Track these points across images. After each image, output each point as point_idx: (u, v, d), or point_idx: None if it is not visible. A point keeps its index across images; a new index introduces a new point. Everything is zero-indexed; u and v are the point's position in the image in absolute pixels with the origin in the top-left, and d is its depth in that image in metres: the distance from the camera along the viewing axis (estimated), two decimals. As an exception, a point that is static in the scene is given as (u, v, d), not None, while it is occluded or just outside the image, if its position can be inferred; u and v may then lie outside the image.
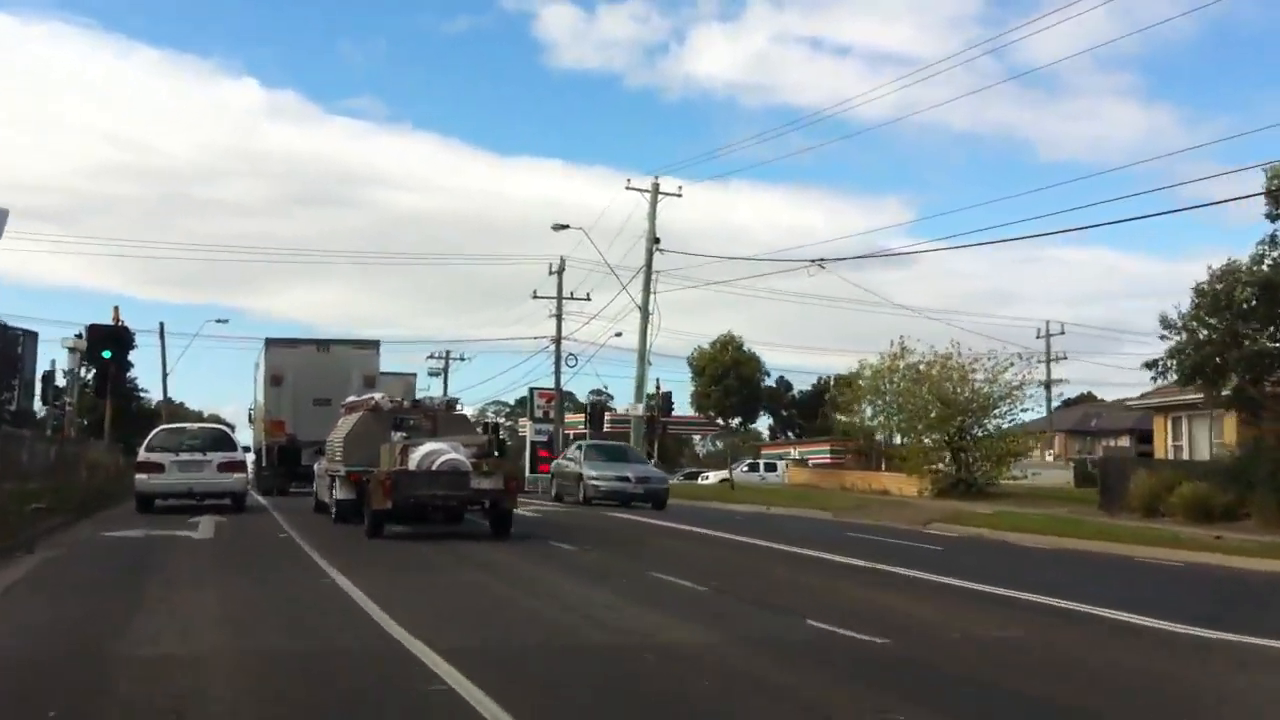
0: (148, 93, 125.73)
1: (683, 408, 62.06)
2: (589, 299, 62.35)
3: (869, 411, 35.68)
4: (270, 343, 34.17)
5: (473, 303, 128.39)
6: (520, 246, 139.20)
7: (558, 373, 65.59)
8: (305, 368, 32.12)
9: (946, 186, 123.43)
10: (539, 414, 69.96)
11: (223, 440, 25.60)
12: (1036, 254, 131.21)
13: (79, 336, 35.12)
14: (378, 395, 22.40)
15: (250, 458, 29.94)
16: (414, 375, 44.24)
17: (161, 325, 69.32)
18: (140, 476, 24.11)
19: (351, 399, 23.31)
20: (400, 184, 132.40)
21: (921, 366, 33.51)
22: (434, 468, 18.28)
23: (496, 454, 21.82)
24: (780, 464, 64.54)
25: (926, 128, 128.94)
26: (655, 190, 47.84)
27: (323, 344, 34.15)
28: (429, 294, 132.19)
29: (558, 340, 65.39)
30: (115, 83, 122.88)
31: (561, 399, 65.93)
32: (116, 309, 36.69)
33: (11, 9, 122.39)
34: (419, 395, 27.39)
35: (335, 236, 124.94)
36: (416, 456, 18.45)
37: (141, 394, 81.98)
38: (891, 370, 34.45)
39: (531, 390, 69.69)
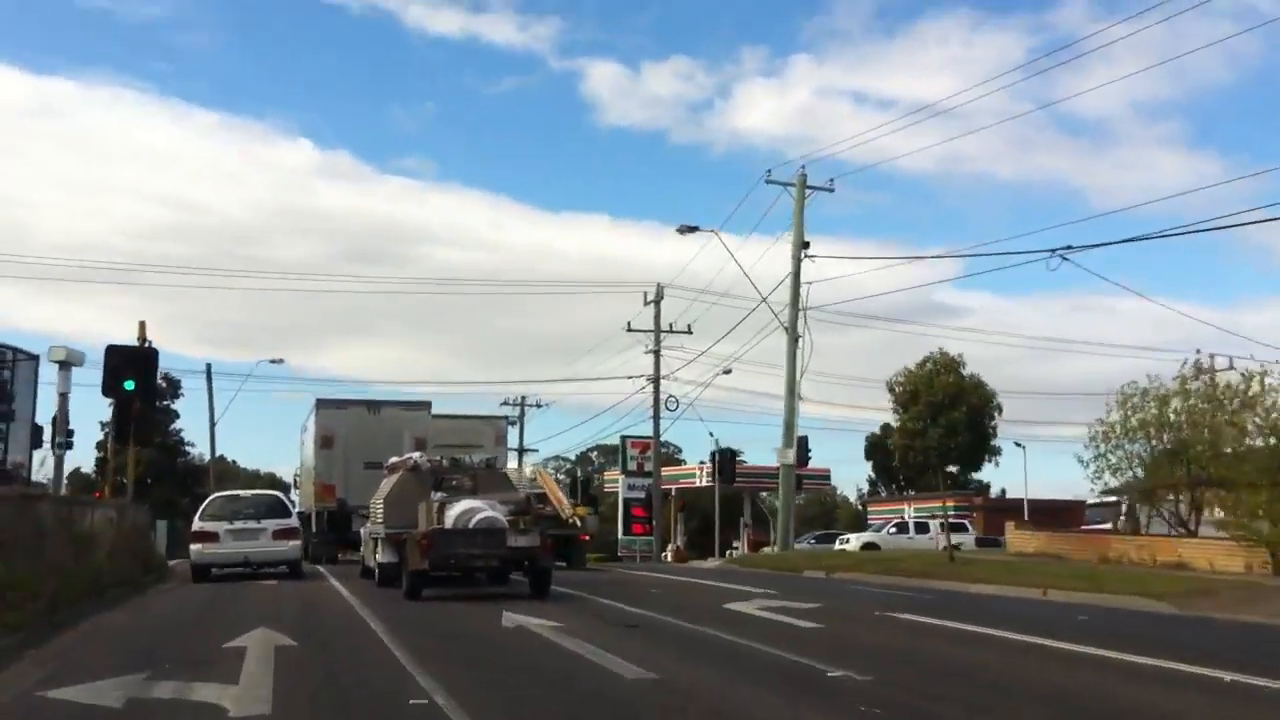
0: (203, 155, 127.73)
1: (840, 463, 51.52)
2: (689, 331, 54.88)
3: (1139, 450, 24.79)
4: (320, 404, 33.74)
5: (532, 355, 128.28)
6: (570, 300, 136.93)
7: (656, 417, 56.26)
8: (356, 430, 31.82)
9: (995, 235, 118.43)
10: (632, 466, 63.14)
11: (277, 507, 25.91)
12: (1090, 304, 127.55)
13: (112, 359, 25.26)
14: (416, 455, 22.40)
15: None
16: (504, 420, 40.23)
17: (209, 367, 59.22)
18: (195, 547, 24.63)
19: (393, 460, 23.43)
20: (451, 241, 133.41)
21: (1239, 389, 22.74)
22: (470, 526, 18.29)
23: (593, 512, 25.86)
24: (934, 522, 53.42)
25: (973, 178, 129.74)
26: (802, 183, 37.78)
27: (373, 405, 33.85)
28: (484, 346, 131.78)
29: (655, 380, 56.37)
30: (171, 145, 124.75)
31: (659, 448, 57.66)
32: (143, 325, 26.45)
33: (72, 74, 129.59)
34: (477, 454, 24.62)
35: (387, 293, 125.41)
36: (453, 515, 18.53)
37: (188, 448, 71.47)
38: (1180, 394, 23.69)
39: (624, 439, 62.49)
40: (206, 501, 26.45)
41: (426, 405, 33.44)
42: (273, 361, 58.05)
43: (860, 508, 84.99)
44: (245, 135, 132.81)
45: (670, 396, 55.87)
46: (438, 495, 19.46)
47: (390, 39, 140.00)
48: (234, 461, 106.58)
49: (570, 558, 28.66)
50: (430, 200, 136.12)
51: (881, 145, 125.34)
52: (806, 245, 37.19)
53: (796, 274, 36.92)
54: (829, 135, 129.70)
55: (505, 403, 68.22)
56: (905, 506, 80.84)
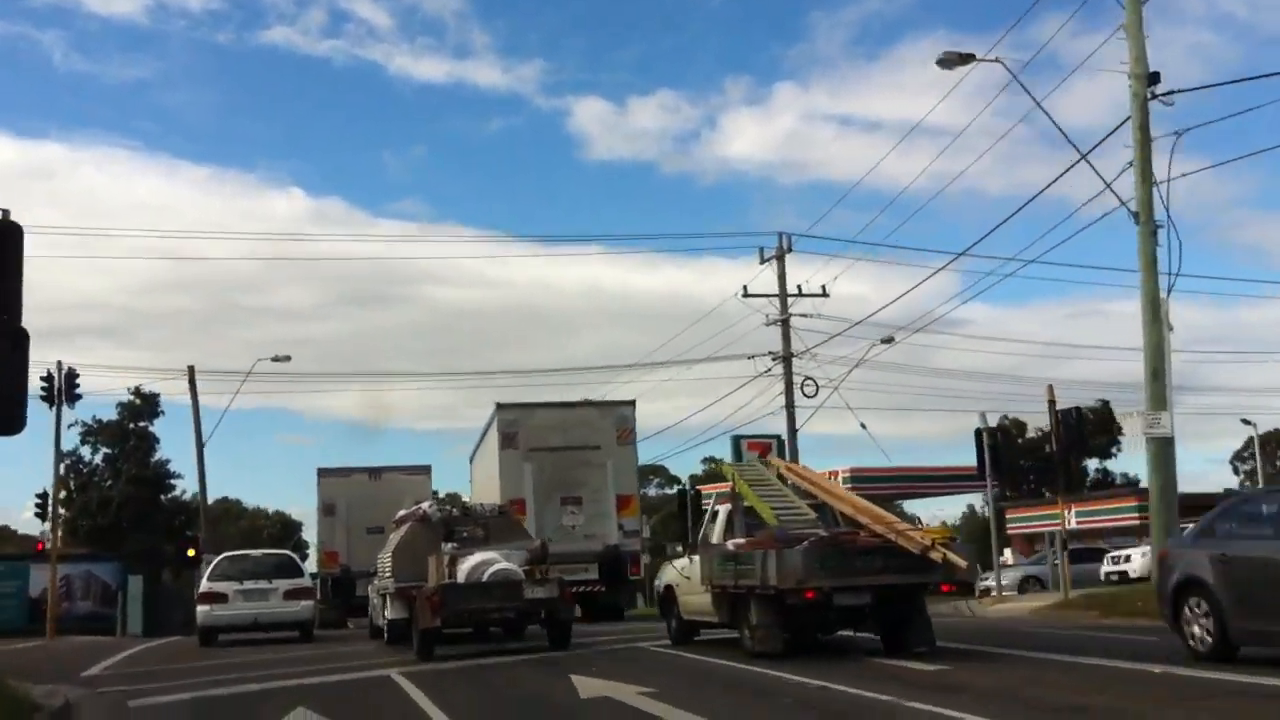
0: (195, 208, 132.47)
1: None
2: (825, 293, 41.48)
3: None
4: (322, 472, 33.85)
5: (537, 393, 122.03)
6: (568, 334, 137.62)
7: (790, 405, 42.17)
8: (357, 496, 31.97)
9: (989, 250, 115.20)
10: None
11: (288, 566, 25.63)
12: (1092, 309, 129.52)
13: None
14: (426, 505, 21.94)
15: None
16: (631, 404, 29.62)
17: (191, 370, 43.15)
18: (202, 608, 23.97)
19: (401, 512, 22.66)
20: (448, 280, 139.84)
21: None
22: (484, 579, 17.60)
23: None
24: None
25: (963, 195, 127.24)
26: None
27: (374, 471, 33.65)
28: (479, 383, 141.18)
29: (786, 358, 42.34)
30: (163, 201, 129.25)
31: (781, 445, 42.12)
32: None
33: (61, 137, 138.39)
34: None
35: (385, 335, 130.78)
36: (465, 568, 17.82)
37: (174, 480, 53.85)
38: None
39: (736, 439, 45.59)
40: (215, 561, 26.57)
41: (427, 469, 34.43)
42: (276, 359, 44.19)
43: (985, 514, 65.61)
44: (236, 186, 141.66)
45: (807, 379, 41.86)
46: (449, 547, 18.86)
47: (376, 87, 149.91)
48: (237, 500, 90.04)
49: (911, 627, 15.30)
50: (426, 241, 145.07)
51: (868, 164, 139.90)
52: (1154, 78, 20.07)
53: (1143, 124, 19.85)
54: (817, 158, 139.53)
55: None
56: (1064, 511, 61.33)
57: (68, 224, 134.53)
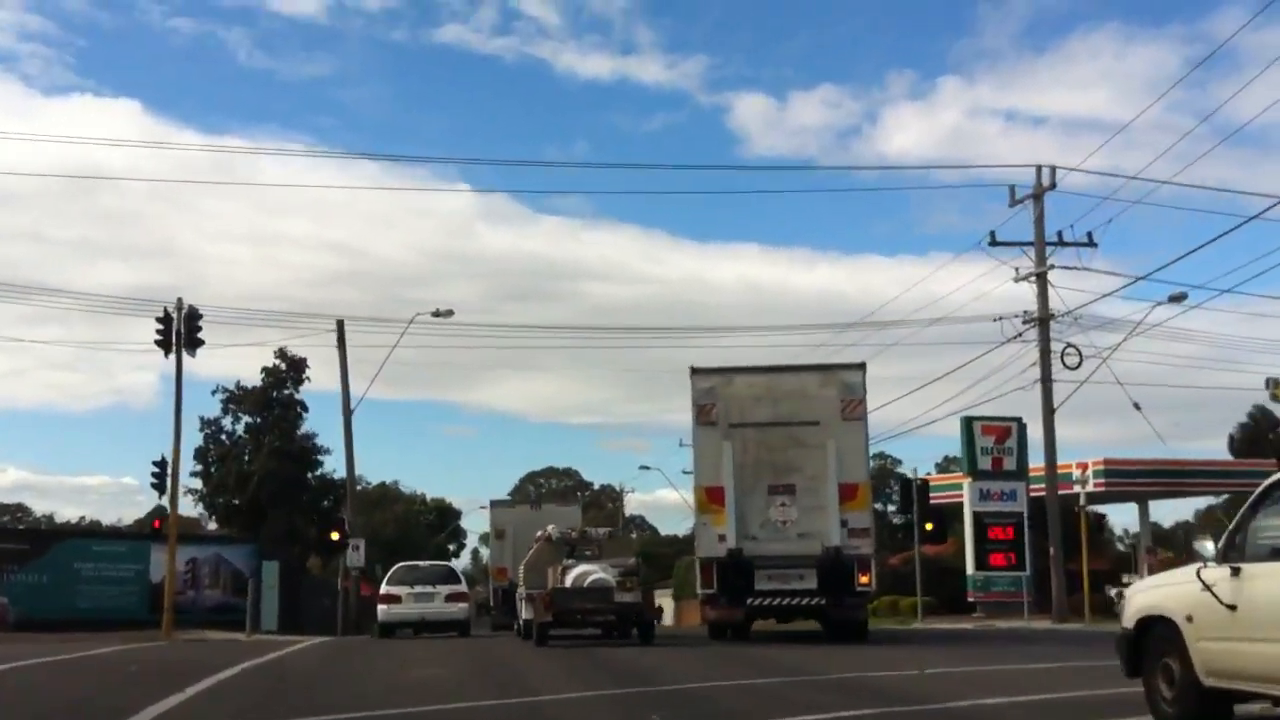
0: (365, 202, 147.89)
1: None
2: (1091, 243, 34.09)
3: None
4: (493, 504, 41.84)
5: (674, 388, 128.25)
6: (723, 331, 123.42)
7: (1045, 379, 34.35)
8: (521, 523, 37.38)
9: (1160, 246, 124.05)
10: (985, 465, 40.03)
11: (449, 575, 32.89)
12: (1264, 309, 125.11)
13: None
14: (550, 528, 26.87)
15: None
16: (860, 368, 24.62)
17: (340, 324, 40.23)
18: (382, 607, 30.54)
19: (538, 533, 28.13)
20: (605, 276, 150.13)
21: None
22: (585, 585, 22.46)
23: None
24: None
25: (1131, 190, 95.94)
26: None
27: (535, 504, 42.18)
28: (635, 379, 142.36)
29: (1042, 320, 34.81)
30: (334, 194, 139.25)
31: (1023, 428, 38.14)
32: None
33: (241, 132, 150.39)
34: None
35: (545, 330, 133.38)
36: (572, 576, 22.76)
37: (321, 456, 48.76)
38: None
39: (968, 421, 39.97)
40: (392, 570, 33.10)
41: (579, 501, 45.71)
42: (436, 314, 40.60)
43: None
44: (405, 181, 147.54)
45: (1069, 347, 34.44)
46: (568, 561, 23.57)
47: (543, 84, 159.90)
48: (394, 483, 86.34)
49: None
50: (585, 237, 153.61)
51: (1034, 161, 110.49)
52: None
53: None
54: (980, 154, 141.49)
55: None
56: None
57: (239, 215, 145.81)
